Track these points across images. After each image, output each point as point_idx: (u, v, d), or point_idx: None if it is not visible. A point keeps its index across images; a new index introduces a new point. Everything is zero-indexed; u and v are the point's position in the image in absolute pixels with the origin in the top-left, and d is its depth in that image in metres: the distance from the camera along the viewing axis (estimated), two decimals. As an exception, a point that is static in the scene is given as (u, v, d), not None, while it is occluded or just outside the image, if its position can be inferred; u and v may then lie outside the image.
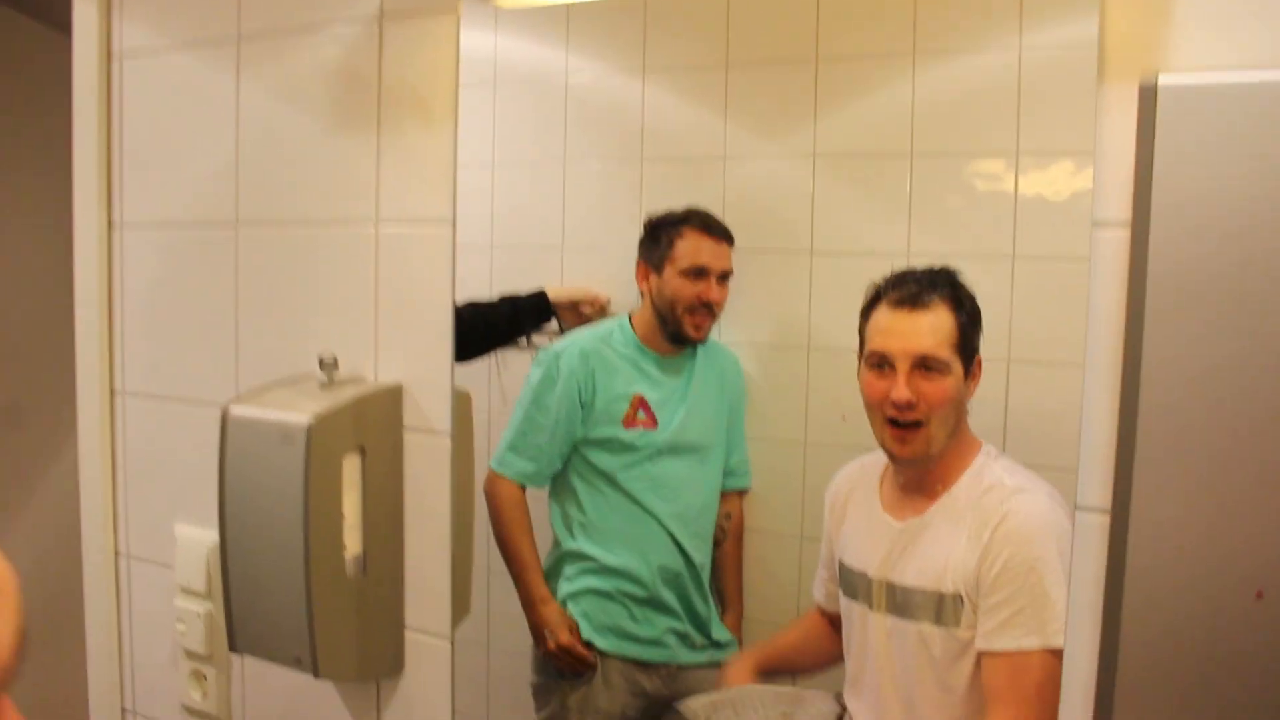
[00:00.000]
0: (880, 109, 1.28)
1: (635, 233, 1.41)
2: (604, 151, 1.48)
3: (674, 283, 1.37)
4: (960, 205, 1.24)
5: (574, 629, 1.41)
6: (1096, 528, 0.93)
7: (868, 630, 1.19)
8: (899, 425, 1.17)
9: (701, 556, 1.39)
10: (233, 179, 1.43)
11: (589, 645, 1.41)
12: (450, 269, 1.28)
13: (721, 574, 1.41)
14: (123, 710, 1.63)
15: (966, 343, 1.15)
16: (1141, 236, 0.84)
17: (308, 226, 1.38)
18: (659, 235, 1.38)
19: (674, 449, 1.40)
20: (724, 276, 1.35)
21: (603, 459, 1.41)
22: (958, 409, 1.17)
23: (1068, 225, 1.12)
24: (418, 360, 1.32)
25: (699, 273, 1.35)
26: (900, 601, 1.16)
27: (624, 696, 1.40)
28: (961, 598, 1.12)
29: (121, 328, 1.56)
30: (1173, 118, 0.82)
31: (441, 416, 1.30)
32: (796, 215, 1.31)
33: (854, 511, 1.24)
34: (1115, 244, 0.90)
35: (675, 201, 1.37)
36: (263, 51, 1.40)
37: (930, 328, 1.16)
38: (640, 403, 1.40)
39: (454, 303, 1.29)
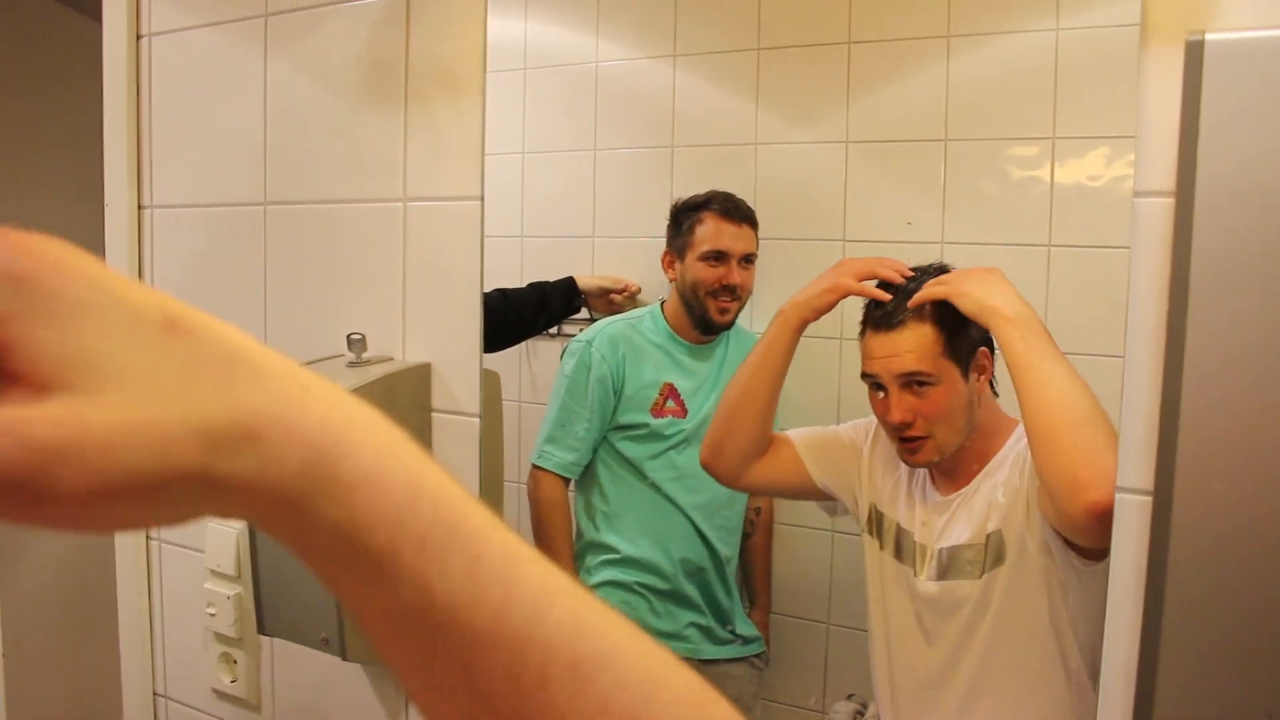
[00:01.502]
0: (914, 94, 1.26)
1: (666, 220, 1.40)
2: (635, 138, 1.48)
3: (695, 268, 1.36)
4: (996, 193, 1.22)
5: None
6: (1139, 509, 0.91)
7: (917, 593, 1.17)
8: (906, 440, 1.16)
9: (728, 549, 1.38)
10: (260, 158, 1.43)
11: None
12: (479, 247, 1.26)
13: (750, 568, 1.40)
14: (154, 695, 1.64)
15: (957, 345, 1.13)
16: (1187, 206, 0.81)
17: (335, 205, 1.38)
18: (681, 222, 1.37)
19: (700, 435, 1.38)
20: (746, 259, 1.35)
21: (630, 448, 1.40)
22: (965, 411, 1.15)
23: (1105, 213, 1.11)
24: (446, 340, 1.31)
25: (719, 256, 1.35)
26: (947, 564, 1.15)
27: None
28: (1001, 533, 1.10)
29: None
30: (1220, 77, 0.78)
31: (470, 397, 1.29)
32: (829, 203, 1.30)
33: (899, 471, 1.22)
34: (1159, 213, 0.86)
35: (706, 188, 1.37)
36: (290, 29, 1.39)
37: (910, 344, 1.14)
38: (670, 391, 1.40)
39: (483, 282, 1.28)
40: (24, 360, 0.32)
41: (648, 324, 1.43)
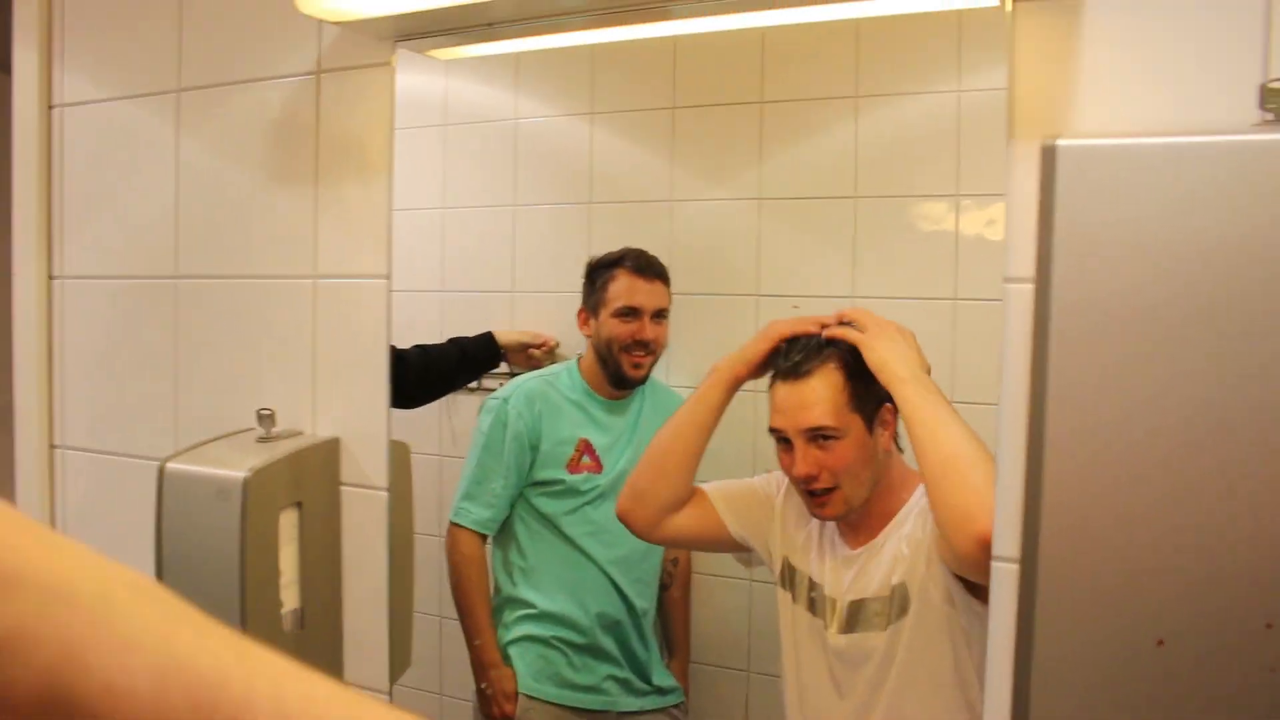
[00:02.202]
0: (824, 152, 1.29)
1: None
2: (553, 194, 1.49)
3: (609, 324, 1.38)
4: (904, 248, 1.24)
5: (514, 697, 1.40)
6: (1009, 576, 0.94)
7: (827, 646, 1.19)
8: (813, 494, 1.17)
9: (644, 602, 1.39)
10: (172, 232, 1.43)
11: (528, 696, 1.40)
12: (386, 324, 1.28)
13: (669, 619, 1.41)
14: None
15: (863, 398, 1.15)
16: (1044, 292, 0.86)
17: (246, 280, 1.38)
18: (595, 279, 1.39)
19: (616, 490, 1.38)
20: (658, 314, 1.37)
21: (546, 504, 1.40)
22: (869, 464, 1.17)
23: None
24: (355, 413, 1.32)
25: (632, 312, 1.36)
26: (855, 616, 1.16)
27: None
28: (905, 585, 1.12)
29: (62, 381, 1.55)
30: (1072, 178, 0.84)
31: (379, 470, 1.30)
32: (743, 258, 1.33)
33: (808, 525, 1.23)
34: (1024, 298, 0.91)
35: (623, 244, 1.38)
36: (202, 103, 1.40)
37: (816, 397, 1.16)
38: (585, 446, 1.40)
39: (389, 356, 1.29)
40: None
41: (564, 380, 1.43)
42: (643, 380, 1.40)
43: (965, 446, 1.02)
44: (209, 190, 1.40)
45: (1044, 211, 0.85)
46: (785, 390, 1.18)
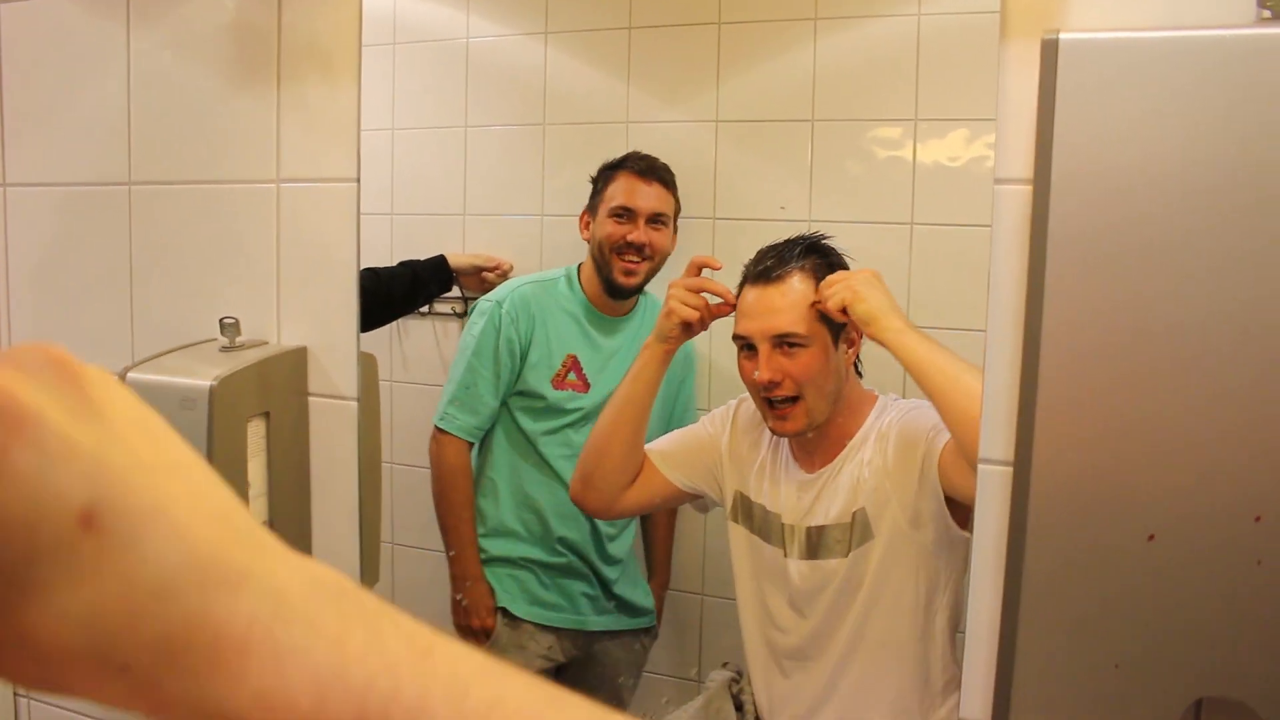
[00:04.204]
0: (782, 75, 1.29)
1: (538, 197, 1.40)
2: (507, 115, 1.47)
3: (604, 224, 1.34)
4: (860, 172, 1.26)
5: (494, 611, 1.39)
6: (1000, 479, 0.97)
7: (787, 573, 1.20)
8: (774, 404, 1.18)
9: (612, 527, 1.38)
10: (124, 136, 1.37)
11: (504, 610, 1.39)
12: (355, 229, 1.25)
13: (651, 542, 1.41)
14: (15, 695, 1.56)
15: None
16: (1043, 192, 0.87)
17: (205, 186, 1.34)
18: (598, 181, 1.36)
19: None
20: (656, 218, 1.33)
21: (526, 421, 1.38)
22: (834, 376, 1.18)
23: (964, 192, 1.16)
24: (322, 323, 1.28)
25: (626, 212, 1.33)
26: (815, 543, 1.18)
27: (537, 661, 1.38)
28: (865, 510, 1.14)
29: (7, 292, 1.48)
30: (1074, 73, 0.85)
31: (348, 381, 1.27)
32: (699, 181, 1.32)
33: (761, 453, 1.25)
34: (1017, 200, 0.93)
35: (577, 167, 1.37)
36: (154, 1, 1.34)
37: (787, 303, 1.17)
38: (573, 363, 1.38)
39: (359, 264, 1.26)
40: None
41: (561, 287, 1.40)
42: (637, 289, 1.36)
43: (973, 376, 1.03)
44: (163, 92, 1.35)
45: (1044, 108, 0.86)
46: (754, 294, 1.19)
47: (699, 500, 1.29)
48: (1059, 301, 0.87)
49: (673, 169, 1.33)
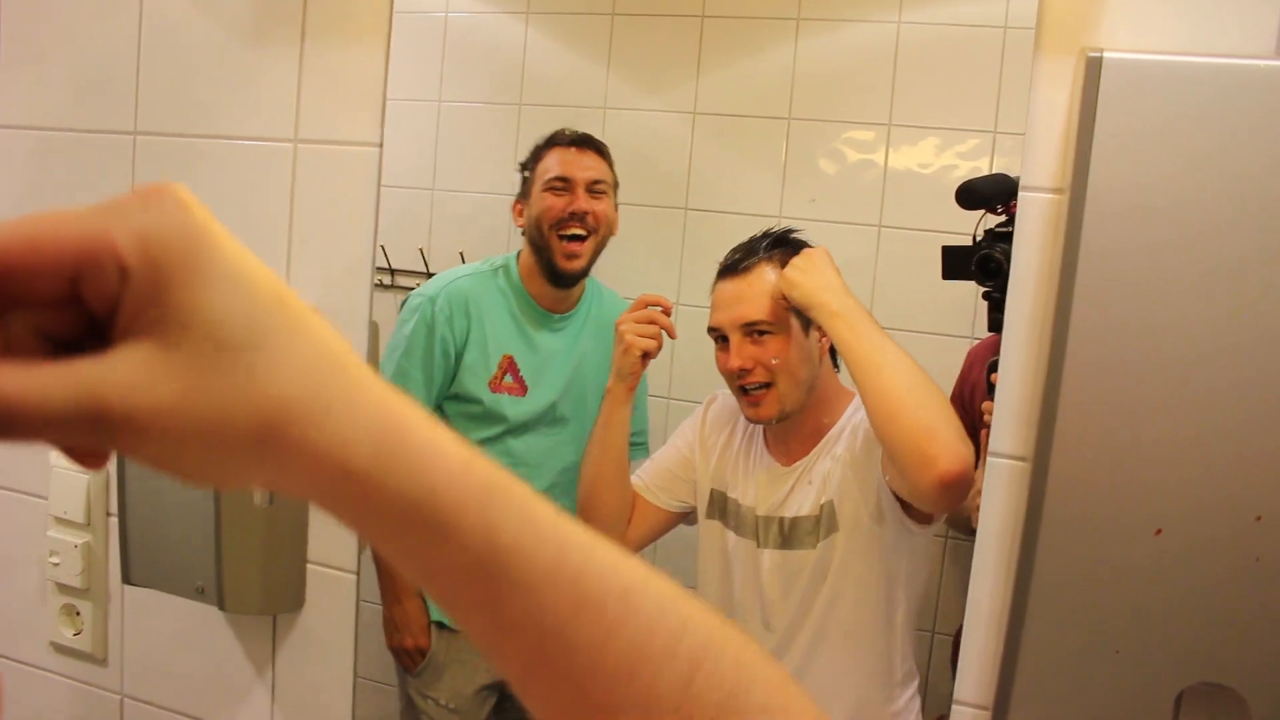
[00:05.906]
0: (762, 72, 1.30)
1: (509, 177, 1.37)
2: (482, 92, 1.45)
3: (539, 200, 1.27)
4: (833, 172, 1.27)
5: (427, 628, 1.32)
6: (1015, 473, 1.01)
7: (759, 564, 1.22)
8: (748, 390, 1.20)
9: None
10: (132, 84, 1.33)
11: (439, 624, 1.32)
12: (375, 195, 1.23)
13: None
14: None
15: None
16: (1078, 201, 0.91)
17: (216, 140, 1.30)
18: (527, 164, 1.31)
19: (543, 420, 1.30)
20: (595, 185, 1.27)
21: (464, 428, 1.27)
22: (806, 363, 1.20)
23: (933, 198, 1.18)
24: (334, 287, 1.26)
25: (563, 183, 1.26)
26: (788, 534, 1.20)
27: (480, 675, 1.33)
28: (832, 503, 1.17)
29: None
30: (1115, 90, 0.90)
31: (358, 346, 1.25)
32: (674, 171, 1.32)
33: (735, 448, 1.26)
34: (1042, 207, 0.97)
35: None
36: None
37: (754, 293, 1.19)
38: (509, 364, 1.29)
39: (377, 231, 1.24)
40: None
41: (500, 281, 1.32)
42: (581, 274, 1.29)
43: (914, 383, 1.06)
44: (176, 40, 1.31)
45: (1084, 122, 0.90)
46: (724, 287, 1.22)
47: (690, 515, 1.30)
48: (1087, 308, 0.92)
49: (648, 158, 1.33)
